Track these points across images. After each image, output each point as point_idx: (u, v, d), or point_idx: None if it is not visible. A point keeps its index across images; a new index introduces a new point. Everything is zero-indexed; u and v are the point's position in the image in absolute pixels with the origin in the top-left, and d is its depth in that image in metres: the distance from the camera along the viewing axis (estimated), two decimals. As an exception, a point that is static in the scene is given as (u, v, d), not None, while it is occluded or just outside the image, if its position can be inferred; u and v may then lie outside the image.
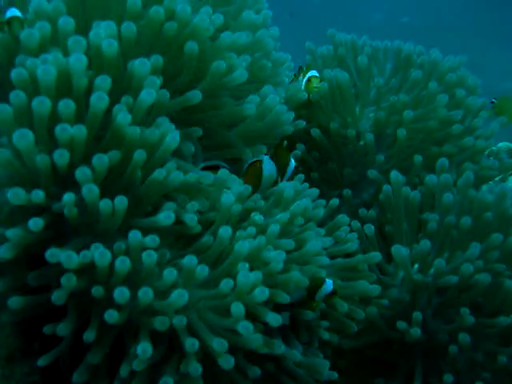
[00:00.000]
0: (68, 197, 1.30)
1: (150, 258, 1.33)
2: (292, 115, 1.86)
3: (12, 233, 1.29)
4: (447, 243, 1.98)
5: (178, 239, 1.59)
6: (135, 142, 1.37)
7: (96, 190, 1.29)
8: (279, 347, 1.48)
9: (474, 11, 15.17)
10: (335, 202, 2.04)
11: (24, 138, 1.24)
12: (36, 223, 1.28)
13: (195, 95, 1.57)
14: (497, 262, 1.88)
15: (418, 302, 1.95)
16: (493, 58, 12.96)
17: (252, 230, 1.53)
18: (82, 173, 1.29)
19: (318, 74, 2.30)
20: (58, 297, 1.30)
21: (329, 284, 1.63)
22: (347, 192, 2.20)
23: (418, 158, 2.23)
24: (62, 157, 1.27)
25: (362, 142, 2.35)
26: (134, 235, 1.34)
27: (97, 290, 1.31)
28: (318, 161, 2.40)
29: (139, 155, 1.37)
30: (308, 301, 1.65)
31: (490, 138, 2.44)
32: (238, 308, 1.35)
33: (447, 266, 1.90)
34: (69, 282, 1.27)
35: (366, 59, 2.33)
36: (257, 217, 1.57)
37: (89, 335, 1.34)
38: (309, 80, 2.28)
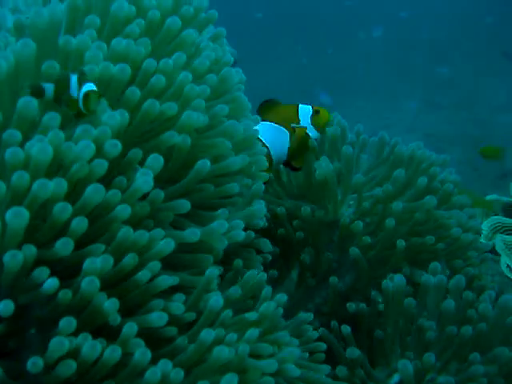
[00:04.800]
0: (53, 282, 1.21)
1: (143, 356, 1.25)
2: None
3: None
4: (446, 352, 1.94)
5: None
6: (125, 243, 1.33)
7: (97, 282, 1.23)
8: None
9: (467, 41, 15.34)
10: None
11: (19, 216, 1.16)
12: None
13: (184, 205, 1.51)
14: (497, 377, 1.84)
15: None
16: (486, 90, 12.86)
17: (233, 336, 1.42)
18: (91, 263, 1.24)
19: None
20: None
21: None
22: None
23: (400, 243, 2.20)
24: (66, 246, 1.21)
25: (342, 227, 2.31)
26: (131, 328, 1.27)
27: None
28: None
29: (131, 259, 1.32)
30: None
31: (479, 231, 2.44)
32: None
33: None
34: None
35: (350, 149, 2.34)
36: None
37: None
38: None
